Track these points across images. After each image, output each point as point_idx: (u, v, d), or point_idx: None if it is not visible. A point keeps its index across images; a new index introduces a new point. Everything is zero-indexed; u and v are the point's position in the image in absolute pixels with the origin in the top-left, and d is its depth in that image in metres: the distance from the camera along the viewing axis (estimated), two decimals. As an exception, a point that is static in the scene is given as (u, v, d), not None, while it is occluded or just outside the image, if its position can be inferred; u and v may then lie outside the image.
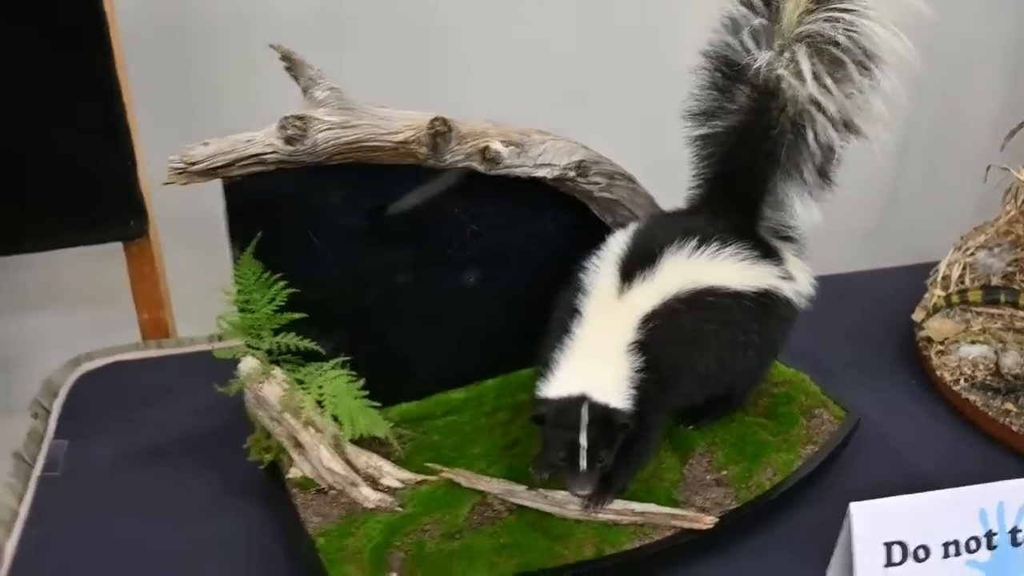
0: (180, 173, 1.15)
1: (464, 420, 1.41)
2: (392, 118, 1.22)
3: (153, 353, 1.70)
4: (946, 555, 1.15)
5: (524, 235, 1.40)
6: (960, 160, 2.25)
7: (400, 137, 1.21)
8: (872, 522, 1.13)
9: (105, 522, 1.33)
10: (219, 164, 1.16)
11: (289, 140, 1.16)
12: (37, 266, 2.00)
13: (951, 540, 1.15)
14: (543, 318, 1.34)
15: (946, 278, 1.68)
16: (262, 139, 1.17)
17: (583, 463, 1.14)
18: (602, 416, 1.15)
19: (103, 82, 1.52)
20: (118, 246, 1.73)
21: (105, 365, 1.67)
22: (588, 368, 1.18)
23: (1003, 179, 1.69)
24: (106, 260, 2.04)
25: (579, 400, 1.15)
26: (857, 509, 1.13)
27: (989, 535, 1.16)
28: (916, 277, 1.79)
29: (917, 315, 1.63)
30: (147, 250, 1.68)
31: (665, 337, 1.20)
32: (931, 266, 1.77)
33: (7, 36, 1.47)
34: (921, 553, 1.14)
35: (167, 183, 1.17)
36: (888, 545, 1.14)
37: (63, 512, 1.35)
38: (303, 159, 1.19)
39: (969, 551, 1.16)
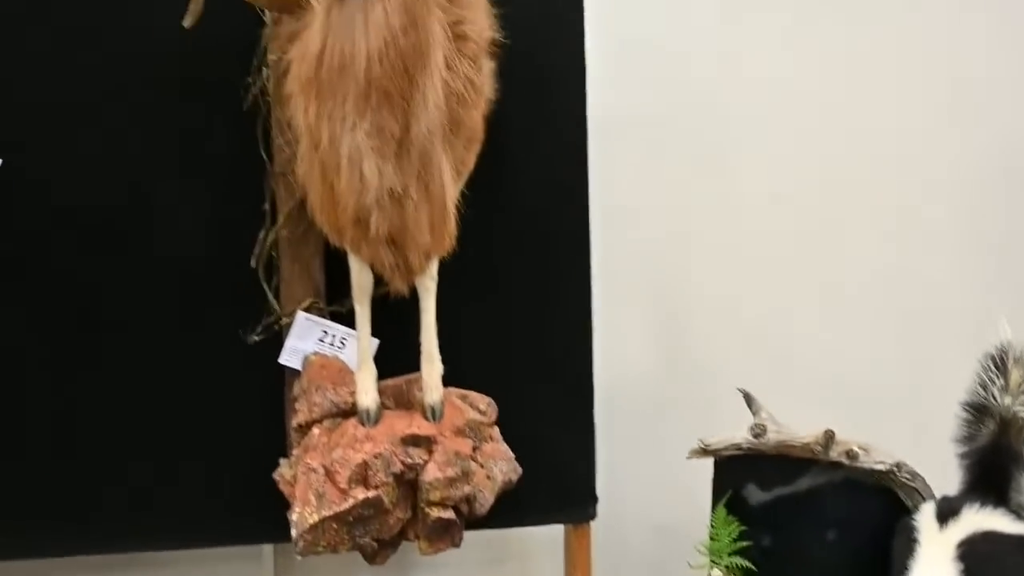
0: (702, 452, 2.15)
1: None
2: (798, 431, 2.22)
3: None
4: None
5: (857, 508, 2.32)
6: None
7: (806, 440, 2.20)
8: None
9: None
10: (718, 448, 2.16)
11: (756, 436, 2.16)
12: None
13: None
14: (863, 560, 2.25)
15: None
16: (740, 435, 2.17)
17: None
18: (950, 591, 2.02)
19: (585, 398, 2.56)
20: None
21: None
22: (933, 567, 2.06)
23: None
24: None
25: (936, 580, 2.04)
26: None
27: None
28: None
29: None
30: (588, 528, 2.61)
31: (971, 553, 2.09)
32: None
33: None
34: None
35: (690, 458, 2.16)
36: None
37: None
38: (758, 448, 2.18)
39: None
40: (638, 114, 3.03)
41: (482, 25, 2.12)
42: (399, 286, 2.12)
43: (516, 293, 2.52)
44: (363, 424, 2.18)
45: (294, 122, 2.11)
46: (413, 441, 2.17)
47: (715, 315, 3.00)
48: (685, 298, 3.01)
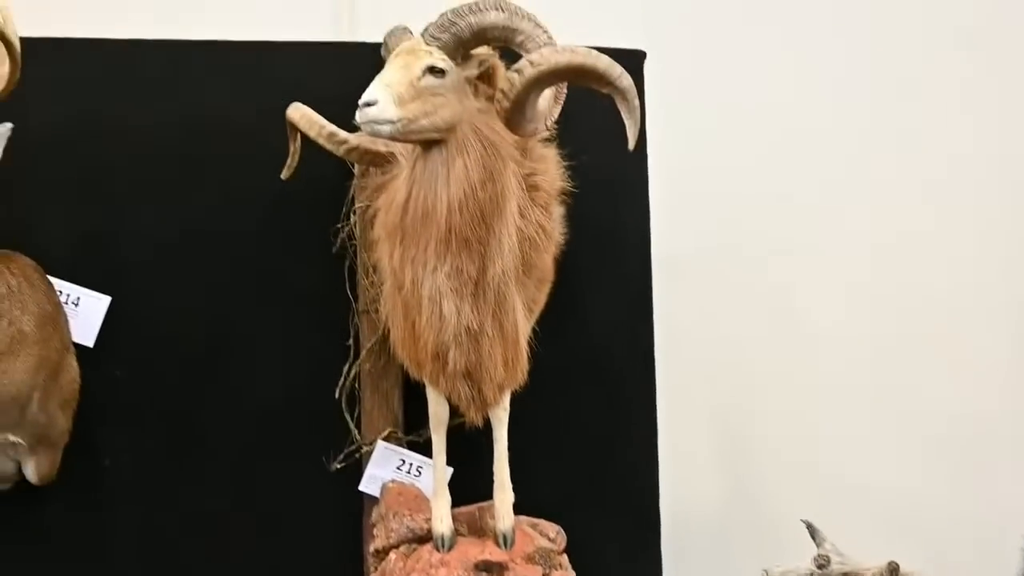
0: (766, 581, 2.20)
1: None
2: (863, 562, 2.26)
3: None
4: None
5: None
6: None
7: (871, 571, 2.24)
8: None
9: None
10: (782, 573, 2.21)
11: (820, 567, 2.21)
12: None
13: None
14: None
15: None
16: (804, 566, 2.22)
17: None
18: None
19: (652, 527, 2.62)
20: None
21: None
22: None
23: None
24: None
25: None
26: None
27: None
28: None
29: None
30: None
31: None
32: None
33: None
34: None
35: (756, 585, 2.21)
36: None
37: None
38: (823, 579, 2.23)
39: None
40: (701, 250, 3.18)
41: (553, 176, 2.29)
42: (474, 417, 2.24)
43: (585, 424, 2.64)
44: (438, 550, 2.28)
45: (379, 264, 2.28)
46: (485, 567, 2.26)
47: (779, 446, 3.08)
48: (749, 430, 3.09)
